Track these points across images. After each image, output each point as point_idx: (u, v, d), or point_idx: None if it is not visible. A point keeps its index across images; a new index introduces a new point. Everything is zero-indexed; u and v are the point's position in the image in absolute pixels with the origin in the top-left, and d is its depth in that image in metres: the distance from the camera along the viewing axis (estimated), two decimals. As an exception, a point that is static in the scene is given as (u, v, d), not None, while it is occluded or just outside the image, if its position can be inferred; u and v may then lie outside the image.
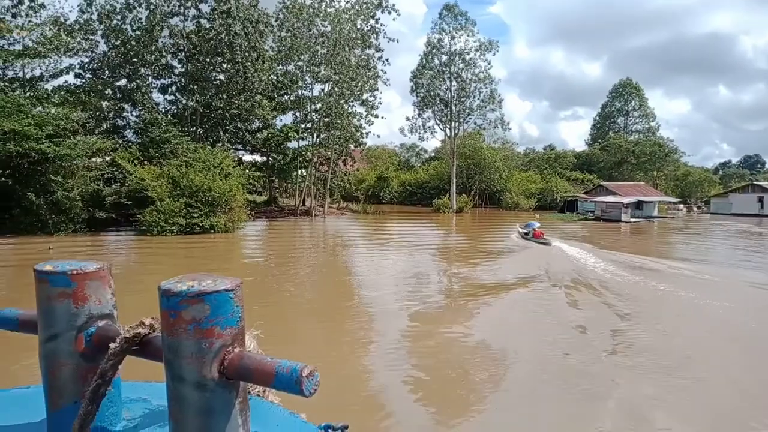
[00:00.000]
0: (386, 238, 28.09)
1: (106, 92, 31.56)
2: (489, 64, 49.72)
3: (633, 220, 42.97)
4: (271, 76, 36.83)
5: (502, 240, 27.59)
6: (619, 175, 66.22)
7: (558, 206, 53.70)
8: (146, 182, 25.39)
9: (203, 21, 30.73)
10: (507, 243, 26.00)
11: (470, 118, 52.26)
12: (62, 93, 28.95)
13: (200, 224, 25.73)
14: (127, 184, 25.87)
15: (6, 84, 26.99)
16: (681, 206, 62.00)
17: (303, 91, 39.38)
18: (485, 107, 50.91)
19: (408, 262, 19.45)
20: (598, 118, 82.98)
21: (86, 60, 30.85)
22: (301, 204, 42.59)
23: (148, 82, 32.63)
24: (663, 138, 72.45)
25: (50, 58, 28.35)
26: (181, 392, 0.78)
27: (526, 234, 27.45)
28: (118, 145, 28.40)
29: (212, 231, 26.23)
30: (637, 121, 79.60)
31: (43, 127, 23.48)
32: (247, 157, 43.73)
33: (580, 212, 48.41)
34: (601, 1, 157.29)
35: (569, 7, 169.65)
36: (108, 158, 26.95)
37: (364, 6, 38.60)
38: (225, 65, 31.63)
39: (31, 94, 28.08)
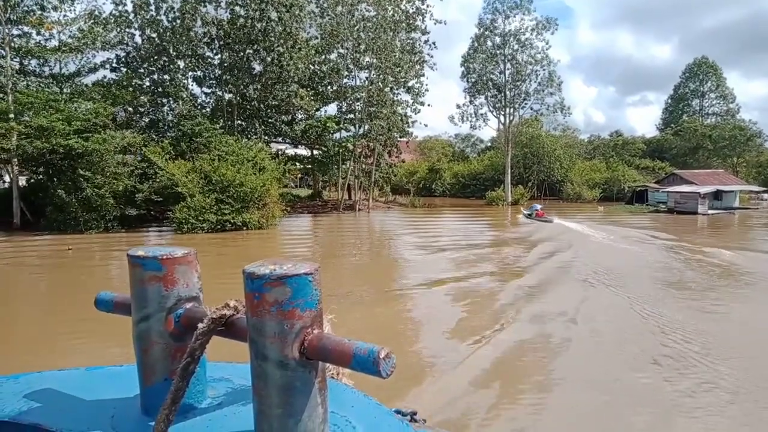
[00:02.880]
0: (423, 235, 25.68)
1: (144, 85, 30.91)
2: (547, 44, 45.97)
3: (711, 211, 38.39)
4: (312, 65, 35.17)
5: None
6: (695, 162, 60.62)
7: (626, 197, 49.26)
8: (177, 177, 24.32)
9: (236, 8, 29.27)
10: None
11: (526, 104, 48.71)
12: (99, 88, 28.52)
13: (232, 221, 24.39)
14: (158, 180, 24.86)
15: (41, 80, 26.72)
16: (766, 195, 55.85)
17: (346, 80, 37.55)
18: (543, 91, 47.26)
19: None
20: (670, 101, 76.53)
21: (122, 54, 30.23)
22: (346, 198, 40.94)
23: (183, 74, 31.79)
24: (744, 121, 65.71)
25: (86, 52, 27.87)
26: (265, 370, 0.82)
27: (529, 215, 33.06)
28: (151, 140, 27.53)
29: (245, 228, 24.87)
30: (714, 103, 72.84)
31: (72, 123, 22.86)
32: (291, 151, 42.64)
33: (651, 203, 43.99)
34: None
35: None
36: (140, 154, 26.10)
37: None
38: (260, 54, 30.10)
39: (68, 90, 27.80)
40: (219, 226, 24.11)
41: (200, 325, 0.90)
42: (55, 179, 24.21)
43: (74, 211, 23.22)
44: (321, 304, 0.84)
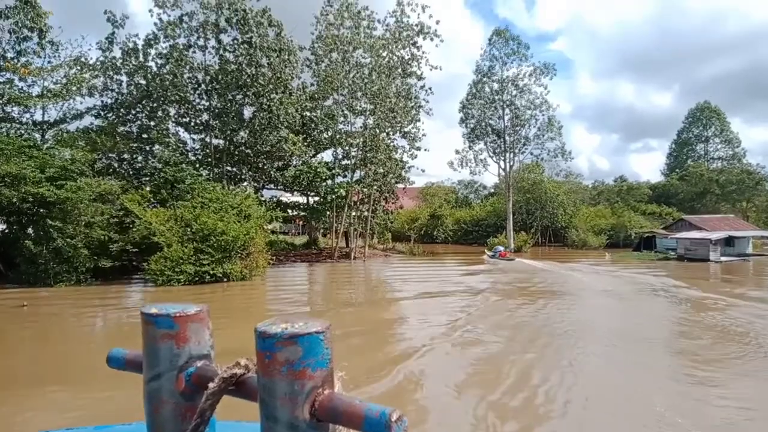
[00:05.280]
0: (412, 287, 24.03)
1: (129, 131, 30.01)
2: (545, 89, 45.38)
3: (724, 258, 36.49)
4: (306, 112, 34.47)
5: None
6: (702, 207, 59.15)
7: (633, 244, 47.46)
8: (154, 226, 22.98)
9: (225, 54, 28.69)
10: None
11: (526, 149, 47.75)
12: (82, 135, 27.70)
13: (211, 272, 22.84)
14: (135, 229, 23.51)
15: (21, 127, 25.90)
16: (779, 241, 53.78)
17: (342, 126, 36.79)
18: (543, 136, 46.39)
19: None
20: (674, 146, 75.96)
21: (108, 100, 29.50)
22: (343, 245, 39.52)
23: (173, 121, 31.10)
24: (751, 165, 64.52)
25: (69, 99, 27.16)
26: None
27: (492, 255, 37.47)
28: (131, 187, 26.38)
29: (225, 279, 23.30)
30: (718, 147, 72.23)
31: (45, 170, 21.80)
32: (287, 198, 41.56)
33: (660, 250, 42.14)
34: (668, 30, 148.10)
35: (635, 38, 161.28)
36: (118, 202, 24.82)
37: (405, 34, 35.82)
38: (249, 99, 29.35)
39: (51, 137, 26.99)
40: (197, 278, 22.58)
41: (211, 385, 0.88)
42: (29, 228, 23.00)
43: (44, 263, 21.84)
44: (332, 363, 0.82)
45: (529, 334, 12.72)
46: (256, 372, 0.81)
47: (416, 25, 36.00)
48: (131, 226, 24.07)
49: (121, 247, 23.69)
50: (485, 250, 42.02)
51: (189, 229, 23.39)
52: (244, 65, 27.81)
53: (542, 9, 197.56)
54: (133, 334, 13.72)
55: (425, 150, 39.26)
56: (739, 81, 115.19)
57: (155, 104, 29.48)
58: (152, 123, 29.81)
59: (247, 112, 30.77)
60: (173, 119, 31.47)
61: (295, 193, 40.78)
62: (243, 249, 24.25)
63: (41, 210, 22.30)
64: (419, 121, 38.13)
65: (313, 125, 35.65)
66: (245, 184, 32.40)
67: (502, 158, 47.76)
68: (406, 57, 36.38)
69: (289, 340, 0.76)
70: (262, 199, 33.63)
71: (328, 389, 0.79)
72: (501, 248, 38.78)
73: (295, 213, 40.88)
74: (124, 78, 29.20)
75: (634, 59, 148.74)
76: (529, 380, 8.94)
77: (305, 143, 32.94)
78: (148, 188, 25.99)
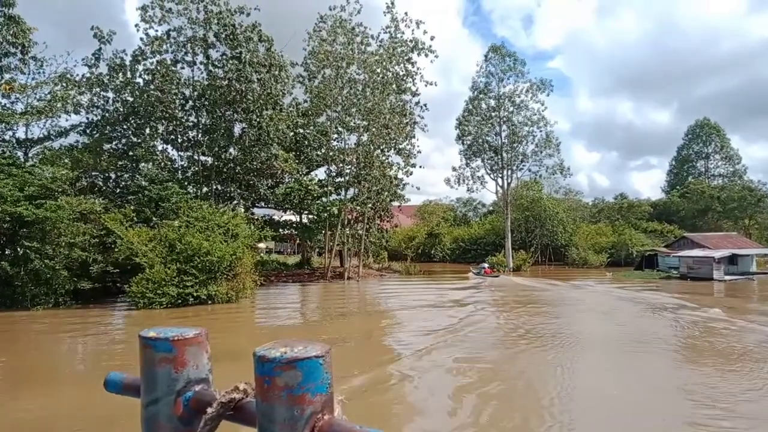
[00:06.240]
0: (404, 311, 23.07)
1: (115, 149, 29.30)
2: (543, 105, 44.86)
3: (728, 277, 35.52)
4: (299, 129, 33.87)
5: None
6: (704, 224, 58.28)
7: (635, 262, 46.44)
8: (136, 246, 22.11)
9: (214, 69, 28.11)
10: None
11: (524, 165, 47.07)
12: (67, 152, 27.03)
13: (195, 294, 21.89)
14: (117, 249, 22.63)
15: (1, 143, 25.21)
16: (783, 259, 52.72)
17: (335, 143, 36.14)
18: (541, 152, 45.71)
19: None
20: (674, 162, 75.32)
21: (94, 117, 28.86)
22: (338, 265, 38.59)
23: (161, 138, 30.43)
24: (752, 182, 63.83)
25: (54, 116, 26.51)
26: None
27: (478, 273, 39.40)
28: (114, 206, 25.57)
29: (210, 302, 22.35)
30: (719, 164, 71.60)
31: (25, 189, 21.05)
32: (279, 216, 40.77)
33: (662, 269, 41.14)
34: (665, 49, 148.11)
35: (632, 57, 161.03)
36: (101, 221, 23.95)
37: (399, 50, 35.36)
38: (237, 115, 28.71)
39: (34, 155, 26.33)
40: (180, 300, 21.63)
41: (209, 410, 0.87)
42: (6, 249, 22.19)
43: (21, 285, 20.95)
44: (332, 388, 0.80)
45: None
46: (255, 397, 0.79)
47: (410, 41, 35.58)
48: (113, 246, 23.21)
49: (102, 268, 22.83)
50: (470, 268, 43.56)
51: (173, 250, 22.53)
52: (233, 81, 27.22)
53: (540, 28, 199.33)
54: (108, 360, 12.80)
55: (420, 167, 38.59)
56: (737, 99, 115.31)
57: (142, 121, 28.86)
58: (139, 140, 29.12)
59: (237, 129, 30.11)
60: (161, 136, 30.83)
61: (289, 211, 40.00)
62: (229, 270, 23.36)
63: (22, 229, 21.55)
64: (414, 137, 37.50)
65: (305, 142, 35.01)
66: (235, 202, 31.58)
67: (500, 175, 47.13)
68: (401, 73, 35.85)
69: (288, 365, 0.74)
70: (253, 217, 32.81)
71: (328, 414, 0.77)
72: (486, 265, 40.84)
73: (287, 232, 40.03)
74: (111, 95, 28.63)
75: (632, 77, 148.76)
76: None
77: (297, 161, 32.23)
78: (132, 207, 25.08)
